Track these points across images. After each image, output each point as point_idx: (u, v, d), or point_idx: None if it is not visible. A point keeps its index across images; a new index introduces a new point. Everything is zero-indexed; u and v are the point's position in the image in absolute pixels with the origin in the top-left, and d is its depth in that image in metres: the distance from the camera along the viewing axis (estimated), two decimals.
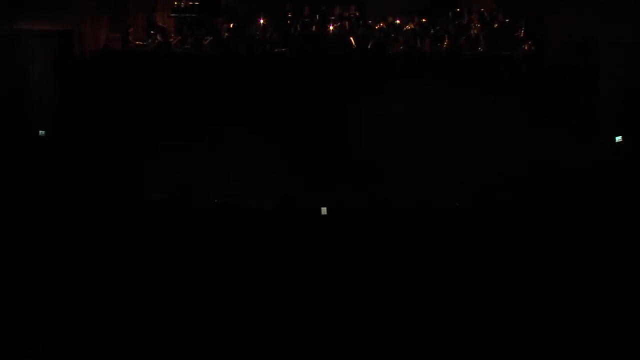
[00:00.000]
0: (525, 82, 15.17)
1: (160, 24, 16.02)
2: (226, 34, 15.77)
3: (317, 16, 16.16)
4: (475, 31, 15.88)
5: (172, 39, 15.70)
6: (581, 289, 7.94)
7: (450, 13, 16.61)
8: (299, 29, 15.92)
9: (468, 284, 8.38)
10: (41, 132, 14.24)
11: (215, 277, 8.17)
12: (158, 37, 15.48)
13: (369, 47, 15.66)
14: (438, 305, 7.82)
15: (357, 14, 16.57)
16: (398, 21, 16.43)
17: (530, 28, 15.40)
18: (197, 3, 16.52)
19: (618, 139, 14.12)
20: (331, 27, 15.96)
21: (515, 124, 15.39)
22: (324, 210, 10.96)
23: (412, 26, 16.21)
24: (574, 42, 14.81)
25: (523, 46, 15.20)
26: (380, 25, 16.23)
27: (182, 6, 16.55)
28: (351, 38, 15.75)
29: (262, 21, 16.06)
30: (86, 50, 15.42)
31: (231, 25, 15.89)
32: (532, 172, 14.80)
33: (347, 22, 16.17)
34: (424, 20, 16.26)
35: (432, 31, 16.02)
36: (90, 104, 14.55)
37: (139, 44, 15.54)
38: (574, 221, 10.45)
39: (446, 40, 15.65)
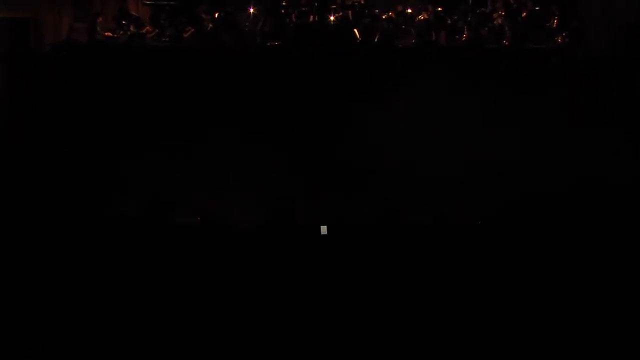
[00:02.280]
0: (560, 79, 14.78)
1: (133, 13, 15.63)
2: (210, 25, 15.40)
3: (316, 4, 15.72)
4: (500, 21, 15.51)
5: (147, 30, 15.33)
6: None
7: (470, 0, 16.24)
8: (294, 19, 15.54)
9: (487, 316, 8.15)
10: None
11: (197, 308, 7.82)
12: (131, 28, 15.14)
13: (375, 40, 15.34)
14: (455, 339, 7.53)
15: (362, 1, 16.08)
16: (409, 10, 16.04)
17: (564, 17, 15.07)
18: None
19: None
20: (332, 17, 15.61)
21: (548, 128, 15.00)
22: (323, 230, 10.66)
23: (426, 16, 15.79)
24: (618, 31, 14.53)
25: (556, 38, 14.89)
26: (388, 14, 15.83)
27: None
28: (355, 30, 15.46)
29: (252, 10, 15.68)
30: (45, 42, 15.07)
31: (216, 15, 15.50)
32: (568, 185, 14.60)
33: (350, 12, 15.79)
34: (439, 8, 15.82)
35: (449, 21, 15.65)
36: (50, 105, 14.12)
37: (108, 35, 15.14)
38: (619, 243, 10.06)
39: (465, 32, 15.35)
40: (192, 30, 15.35)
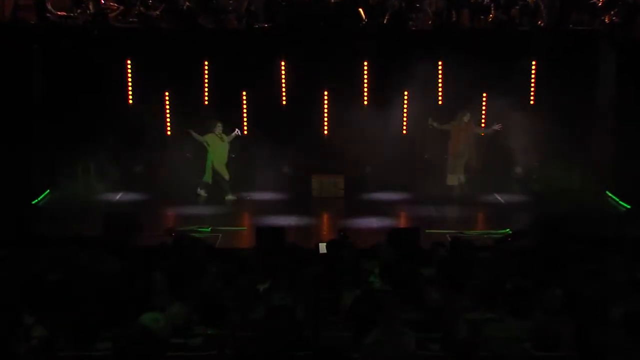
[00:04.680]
0: (606, 68, 14.76)
1: None
2: (187, 3, 15.05)
3: None
4: None
5: (110, 9, 14.95)
6: None
7: None
8: None
9: None
10: None
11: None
12: (90, 7, 14.74)
13: (385, 21, 15.05)
14: None
15: None
16: None
17: None
18: None
19: None
20: None
21: (591, 130, 15.23)
22: (322, 247, 10.33)
23: None
24: None
25: (603, 18, 14.56)
26: None
27: None
28: (360, 9, 15.11)
29: None
30: None
31: None
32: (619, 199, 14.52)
33: None
34: None
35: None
36: None
37: (62, 15, 14.79)
38: None
39: (492, 12, 15.02)
40: (164, 7, 15.03)
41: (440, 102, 15.67)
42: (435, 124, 15.06)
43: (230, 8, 15.24)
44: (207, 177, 14.93)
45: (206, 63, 15.53)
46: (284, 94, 15.67)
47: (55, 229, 12.11)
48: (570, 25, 14.90)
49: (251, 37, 15.10)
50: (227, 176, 14.86)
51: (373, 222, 13.32)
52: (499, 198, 14.92)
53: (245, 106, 15.66)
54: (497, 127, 14.84)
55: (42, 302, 6.90)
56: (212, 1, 15.17)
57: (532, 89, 15.60)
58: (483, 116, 15.73)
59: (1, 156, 13.81)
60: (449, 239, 10.99)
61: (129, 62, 15.34)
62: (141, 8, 14.90)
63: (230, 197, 14.80)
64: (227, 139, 14.82)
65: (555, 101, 14.91)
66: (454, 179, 15.05)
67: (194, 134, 14.65)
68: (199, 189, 14.95)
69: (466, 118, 14.98)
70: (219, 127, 14.75)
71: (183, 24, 14.94)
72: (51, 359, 5.93)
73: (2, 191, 13.25)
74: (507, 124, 14.88)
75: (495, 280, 7.50)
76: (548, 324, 6.18)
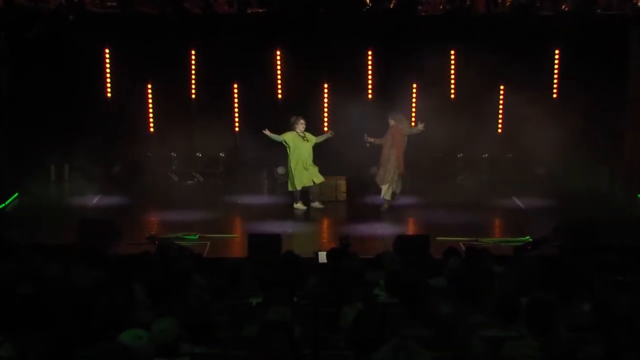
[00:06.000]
0: (638, 58, 14.75)
1: None
2: None
3: None
4: None
5: None
6: None
7: None
8: None
9: None
10: None
11: None
12: None
13: (391, 6, 15.06)
14: None
15: None
16: None
17: None
18: None
19: None
20: None
21: (622, 127, 15.20)
22: (322, 257, 10.29)
23: None
24: None
25: (634, 1, 14.49)
26: None
27: None
28: None
29: None
30: None
31: None
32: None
33: None
34: None
35: None
36: None
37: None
38: None
39: None
40: None
41: (452, 96, 15.72)
42: (372, 140, 14.20)
43: None
44: (297, 184, 14.14)
45: (193, 52, 15.58)
46: (279, 87, 15.69)
47: (24, 237, 11.88)
48: (598, 10, 14.86)
49: (243, 23, 15.10)
50: (317, 180, 14.20)
51: (378, 228, 13.25)
52: (518, 202, 14.84)
53: (236, 100, 15.67)
54: (420, 126, 14.16)
55: (10, 319, 6.87)
56: None
57: (555, 81, 15.64)
58: (500, 111, 15.79)
59: None
60: (463, 247, 10.96)
61: (107, 51, 15.37)
62: None
63: (317, 204, 14.32)
64: (313, 139, 14.15)
65: (580, 94, 14.86)
66: (388, 191, 14.25)
67: (269, 134, 13.96)
68: (295, 204, 14.31)
69: (392, 122, 14.10)
70: (301, 125, 14.04)
71: (168, 8, 14.92)
72: None
73: None
74: (527, 120, 14.81)
75: (514, 292, 7.46)
76: (575, 343, 6.14)
